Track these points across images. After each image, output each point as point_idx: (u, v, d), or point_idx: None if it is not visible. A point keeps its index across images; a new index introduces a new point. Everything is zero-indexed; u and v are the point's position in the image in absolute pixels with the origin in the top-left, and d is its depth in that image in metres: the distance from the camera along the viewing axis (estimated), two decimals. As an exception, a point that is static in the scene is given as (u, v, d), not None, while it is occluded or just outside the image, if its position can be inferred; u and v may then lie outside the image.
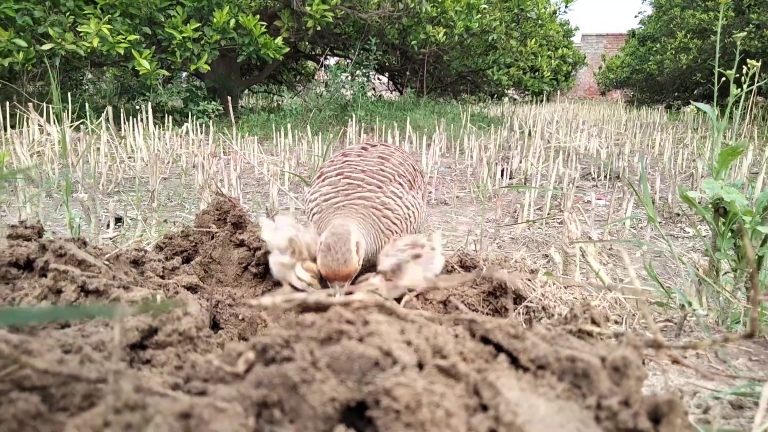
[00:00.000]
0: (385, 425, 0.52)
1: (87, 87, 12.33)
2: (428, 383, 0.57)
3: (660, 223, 4.43)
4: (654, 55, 14.95)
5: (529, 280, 1.83)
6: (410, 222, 1.89)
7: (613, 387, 0.61)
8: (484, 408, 0.57)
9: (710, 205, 2.07)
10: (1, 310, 1.01)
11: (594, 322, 0.84)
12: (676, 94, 15.84)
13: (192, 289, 1.49)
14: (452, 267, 1.93)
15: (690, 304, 1.64)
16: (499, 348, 0.70)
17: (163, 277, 1.54)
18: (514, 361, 0.68)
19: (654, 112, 13.96)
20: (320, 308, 0.71)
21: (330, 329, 0.65)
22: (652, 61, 14.98)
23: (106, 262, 1.39)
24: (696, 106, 2.49)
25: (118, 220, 3.63)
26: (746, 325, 1.60)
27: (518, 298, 1.77)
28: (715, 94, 2.35)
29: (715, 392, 1.04)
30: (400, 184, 1.87)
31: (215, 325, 1.54)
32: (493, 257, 2.08)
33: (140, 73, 7.64)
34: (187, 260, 1.77)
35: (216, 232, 1.92)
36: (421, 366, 0.63)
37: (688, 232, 4.41)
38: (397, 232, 1.83)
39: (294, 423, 0.53)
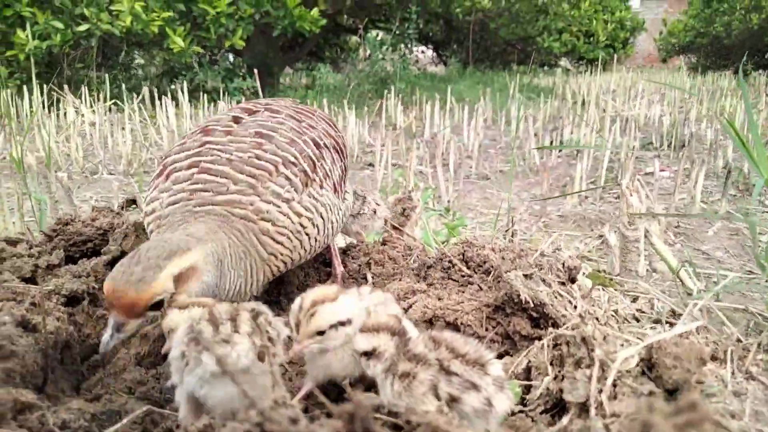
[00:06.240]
0: None
1: (136, 70, 12.25)
2: None
3: (734, 195, 3.91)
4: (721, 17, 13.84)
5: (563, 284, 1.32)
6: (311, 239, 1.29)
7: None
8: None
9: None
10: None
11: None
12: (746, 58, 14.66)
13: (75, 299, 1.13)
14: (450, 261, 1.49)
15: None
16: None
17: (31, 280, 1.19)
18: None
19: (721, 78, 12.89)
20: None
21: None
22: (719, 23, 13.88)
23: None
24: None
25: (132, 201, 3.40)
26: None
27: (543, 320, 1.24)
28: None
29: None
30: (289, 177, 1.26)
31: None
32: (512, 245, 1.55)
33: (174, 51, 7.47)
34: (94, 253, 1.38)
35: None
36: None
37: (768, 207, 3.87)
38: (284, 260, 1.23)
39: None
